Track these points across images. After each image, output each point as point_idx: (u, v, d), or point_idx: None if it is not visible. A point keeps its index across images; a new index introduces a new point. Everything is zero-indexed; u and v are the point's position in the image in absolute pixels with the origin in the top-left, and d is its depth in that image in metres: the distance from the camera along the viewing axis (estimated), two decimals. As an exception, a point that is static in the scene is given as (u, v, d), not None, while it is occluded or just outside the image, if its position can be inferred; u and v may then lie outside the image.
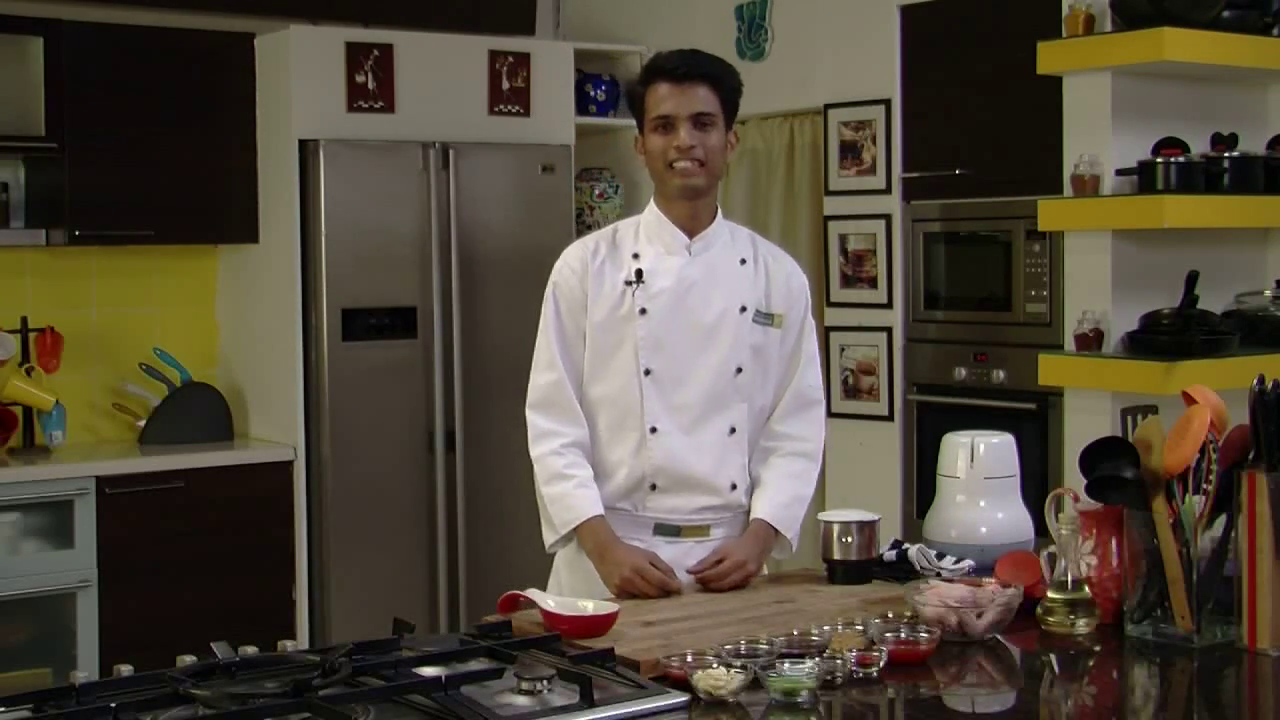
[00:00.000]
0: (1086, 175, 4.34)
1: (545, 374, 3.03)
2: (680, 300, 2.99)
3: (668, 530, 2.99)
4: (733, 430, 3.01)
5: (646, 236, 3.04)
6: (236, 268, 5.65)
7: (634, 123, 2.92)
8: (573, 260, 3.04)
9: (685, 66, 2.96)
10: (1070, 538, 2.57)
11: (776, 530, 3.02)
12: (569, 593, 2.90)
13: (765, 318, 3.05)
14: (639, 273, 2.99)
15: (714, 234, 3.05)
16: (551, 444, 2.99)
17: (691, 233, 3.02)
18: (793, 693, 2.14)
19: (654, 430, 2.96)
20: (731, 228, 3.11)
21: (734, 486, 3.02)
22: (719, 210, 3.09)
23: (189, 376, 5.49)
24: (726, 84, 3.01)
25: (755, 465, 3.08)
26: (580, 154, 5.79)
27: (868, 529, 2.89)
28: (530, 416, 3.05)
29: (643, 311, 2.97)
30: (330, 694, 2.07)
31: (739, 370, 3.00)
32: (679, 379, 2.98)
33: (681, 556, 2.96)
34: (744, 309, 3.02)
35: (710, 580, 2.88)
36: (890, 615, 2.48)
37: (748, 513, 3.05)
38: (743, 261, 3.06)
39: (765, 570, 3.04)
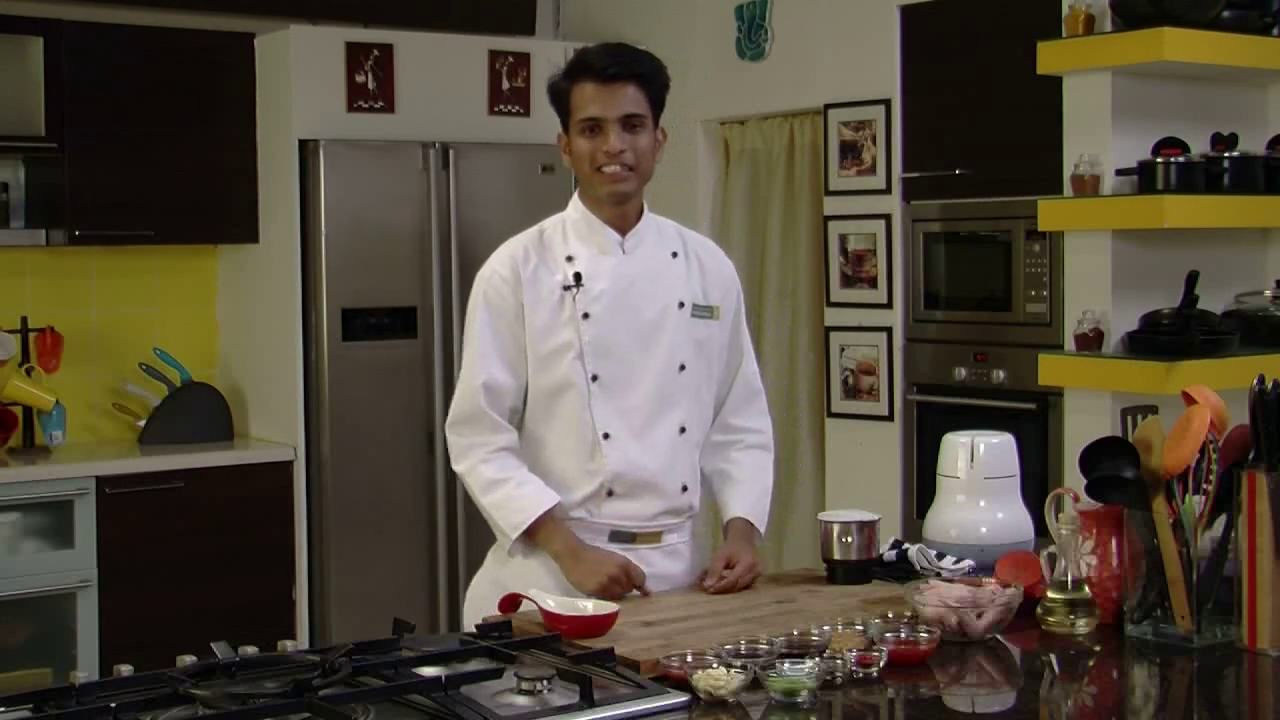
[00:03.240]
0: (1086, 175, 4.34)
1: (463, 391, 2.92)
2: (620, 301, 2.89)
3: (623, 537, 2.91)
4: (683, 429, 2.94)
5: (577, 236, 2.93)
6: (236, 268, 5.65)
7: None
8: (502, 269, 2.91)
9: (614, 66, 2.84)
10: (1070, 538, 2.57)
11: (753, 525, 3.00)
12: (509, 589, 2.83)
13: (704, 310, 2.98)
14: (577, 276, 2.88)
15: (644, 230, 2.96)
16: (477, 454, 2.90)
17: (622, 231, 2.93)
18: (793, 693, 2.14)
19: (606, 436, 2.88)
20: (658, 221, 3.02)
21: (684, 489, 2.96)
22: (645, 204, 2.99)
23: (189, 376, 5.49)
24: (655, 82, 2.89)
25: (712, 460, 3.05)
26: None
27: (868, 529, 2.89)
28: (448, 434, 2.95)
29: (585, 316, 2.87)
30: (330, 694, 2.07)
31: (682, 367, 2.93)
32: (626, 382, 2.89)
33: (636, 563, 2.89)
34: (682, 304, 2.95)
35: (726, 589, 2.82)
36: (890, 615, 2.48)
37: (696, 514, 3.00)
38: (674, 255, 2.98)
39: (765, 570, 3.03)
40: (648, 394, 2.91)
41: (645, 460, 2.90)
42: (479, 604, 2.93)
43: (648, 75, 2.88)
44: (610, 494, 2.89)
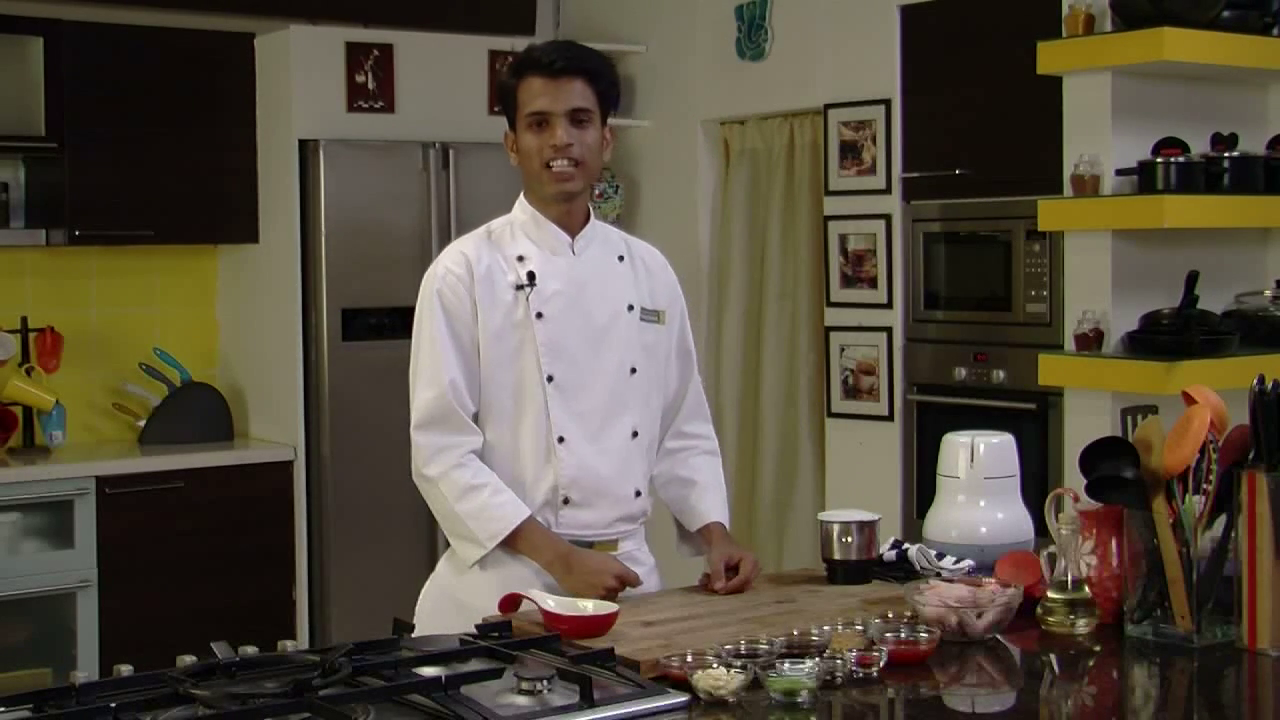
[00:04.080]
0: (1086, 175, 4.34)
1: (430, 390, 2.82)
2: (573, 302, 2.86)
3: (581, 545, 2.86)
4: (635, 434, 2.92)
5: (527, 236, 2.89)
6: (236, 268, 5.65)
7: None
8: (455, 267, 2.86)
9: (561, 60, 2.81)
10: (1070, 538, 2.57)
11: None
12: (463, 599, 2.80)
13: (651, 315, 2.96)
14: (530, 275, 2.84)
15: (591, 232, 2.93)
16: (449, 458, 2.81)
17: (570, 232, 2.90)
18: (793, 693, 2.14)
19: (561, 440, 2.84)
20: (601, 226, 2.99)
21: (637, 494, 2.93)
22: (590, 208, 2.97)
23: (189, 376, 5.49)
24: (604, 78, 2.86)
25: (669, 467, 3.04)
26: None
27: (868, 529, 2.89)
28: (418, 438, 2.83)
29: (539, 316, 2.83)
30: (330, 694, 2.07)
31: (633, 371, 2.91)
32: (580, 384, 2.85)
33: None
34: (631, 307, 2.93)
35: (738, 589, 2.80)
36: (890, 615, 2.48)
37: (647, 519, 2.99)
38: (620, 259, 2.96)
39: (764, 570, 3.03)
40: (602, 397, 2.88)
41: (599, 465, 2.86)
42: (430, 618, 2.87)
43: (596, 71, 2.85)
44: (566, 501, 2.85)
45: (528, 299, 2.85)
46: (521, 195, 2.94)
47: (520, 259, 2.87)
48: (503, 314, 2.84)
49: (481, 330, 2.84)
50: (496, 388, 2.85)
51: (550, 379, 2.84)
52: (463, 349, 2.84)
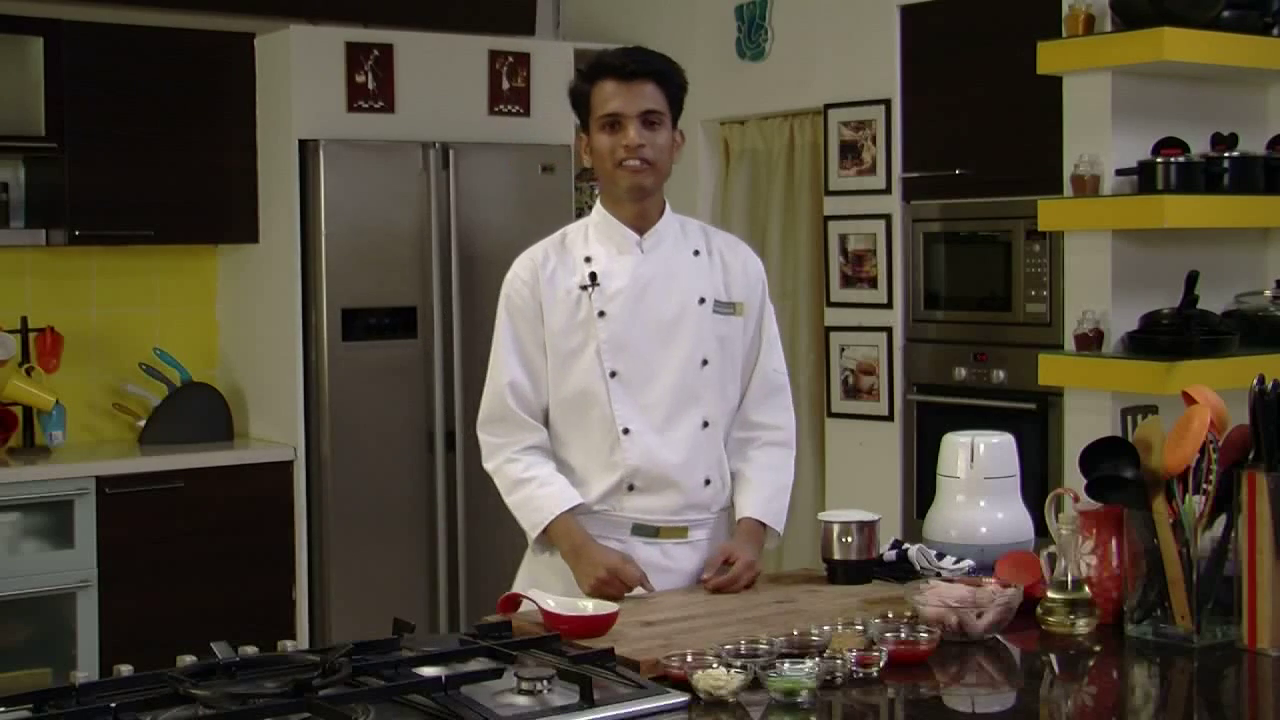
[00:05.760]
0: (1086, 175, 4.34)
1: (494, 390, 3.02)
2: (638, 299, 2.96)
3: (646, 530, 2.96)
4: (705, 424, 2.99)
5: (597, 238, 3.01)
6: (236, 268, 5.65)
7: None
8: (522, 272, 3.02)
9: (633, 64, 2.92)
10: (1070, 538, 2.57)
11: (764, 525, 3.02)
12: (541, 584, 2.87)
13: (727, 307, 3.02)
14: (593, 275, 2.97)
15: (664, 229, 3.02)
16: (504, 454, 3.00)
17: (641, 230, 2.99)
18: (793, 693, 2.14)
19: (626, 431, 2.93)
20: (682, 221, 3.08)
21: (708, 482, 3.00)
22: (667, 204, 3.05)
23: (189, 376, 5.49)
24: (673, 81, 2.97)
25: (732, 459, 3.07)
26: (580, 154, 5.79)
27: (868, 529, 2.89)
28: (479, 436, 3.05)
29: (601, 314, 2.95)
30: (330, 694, 2.07)
31: (705, 363, 2.98)
32: (645, 378, 2.95)
33: (659, 557, 2.94)
34: (702, 300, 3.00)
35: (724, 586, 2.84)
36: (890, 615, 2.48)
37: (727, 511, 3.04)
38: (696, 253, 3.04)
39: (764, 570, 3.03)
40: (668, 389, 2.96)
41: (666, 455, 2.95)
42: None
43: (666, 74, 2.96)
44: (631, 488, 2.95)
45: (590, 298, 2.96)
46: (599, 199, 3.07)
47: (587, 260, 2.99)
48: (566, 314, 2.97)
49: (547, 329, 2.98)
50: (565, 383, 2.98)
51: (613, 374, 2.94)
52: (525, 350, 3.00)
